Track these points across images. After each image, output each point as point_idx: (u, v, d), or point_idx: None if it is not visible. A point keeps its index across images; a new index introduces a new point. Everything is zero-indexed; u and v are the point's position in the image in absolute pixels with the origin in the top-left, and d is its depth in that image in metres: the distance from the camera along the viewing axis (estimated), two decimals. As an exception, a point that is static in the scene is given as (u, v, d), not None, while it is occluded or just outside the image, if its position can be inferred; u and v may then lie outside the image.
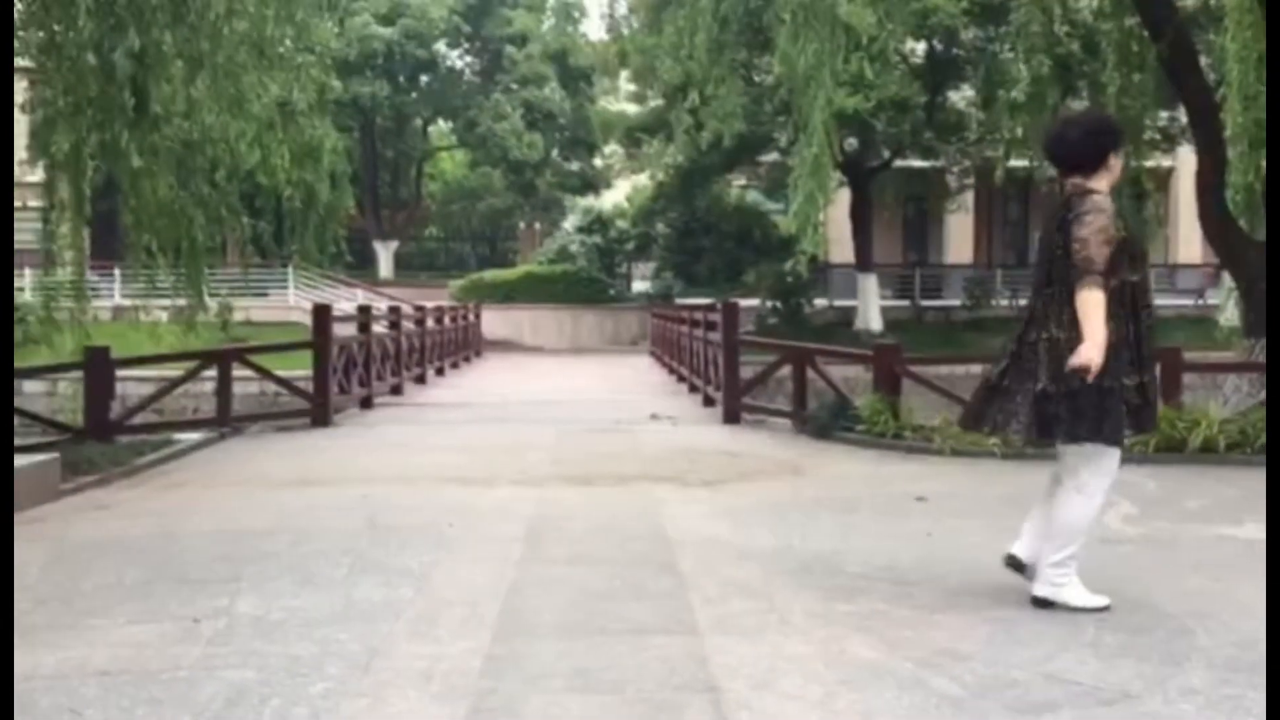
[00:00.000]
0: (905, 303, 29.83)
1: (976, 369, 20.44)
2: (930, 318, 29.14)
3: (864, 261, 27.41)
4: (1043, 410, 4.34)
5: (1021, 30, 10.57)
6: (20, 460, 7.43)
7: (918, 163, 28.06)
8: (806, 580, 4.95)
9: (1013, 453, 8.92)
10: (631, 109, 32.72)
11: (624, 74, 30.26)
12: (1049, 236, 4.47)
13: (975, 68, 23.74)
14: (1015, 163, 12.32)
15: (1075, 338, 4.19)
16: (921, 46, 25.39)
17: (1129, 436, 4.63)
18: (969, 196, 30.78)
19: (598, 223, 34.58)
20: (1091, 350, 4.13)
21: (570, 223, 37.72)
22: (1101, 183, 4.41)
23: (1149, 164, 12.06)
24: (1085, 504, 4.42)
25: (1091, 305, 4.17)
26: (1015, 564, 4.61)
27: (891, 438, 9.59)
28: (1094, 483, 4.41)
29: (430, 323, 19.32)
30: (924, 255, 33.59)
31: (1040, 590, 4.44)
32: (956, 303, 29.61)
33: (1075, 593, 4.41)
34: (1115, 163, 4.47)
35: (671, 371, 19.25)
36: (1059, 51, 12.10)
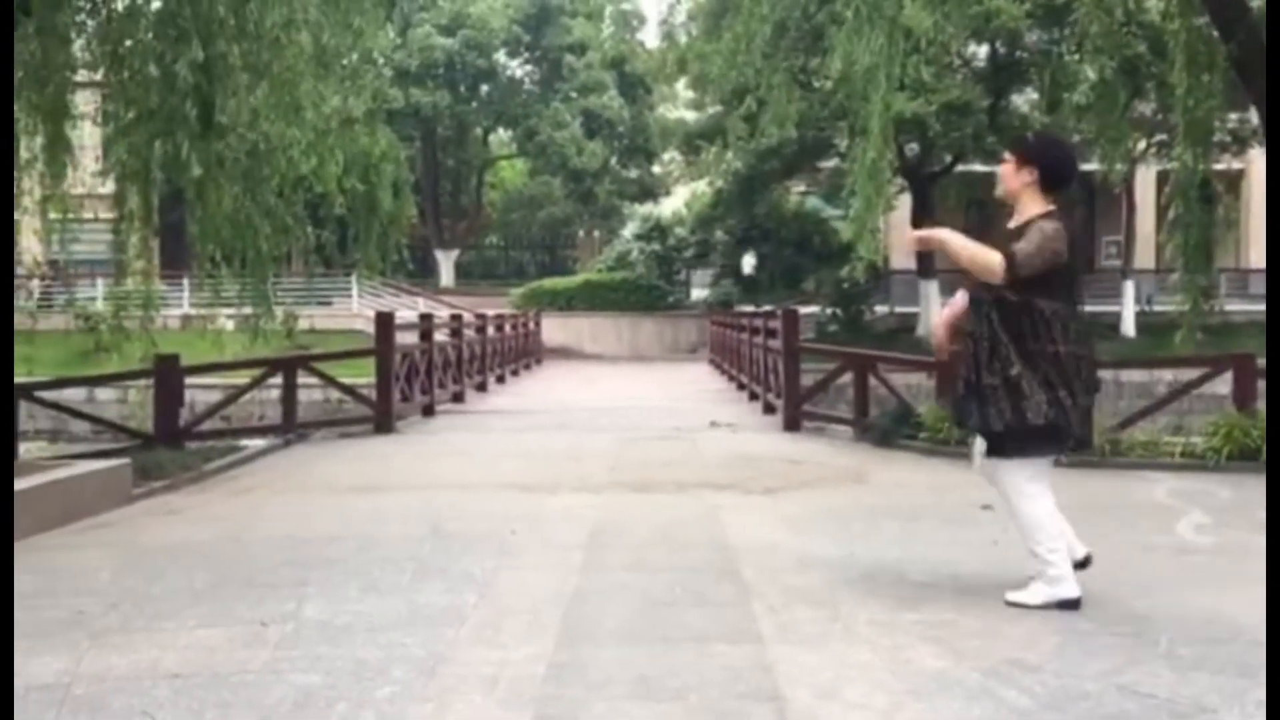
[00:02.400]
0: (968, 309, 29.42)
1: (1041, 375, 20.06)
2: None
3: (925, 267, 27.13)
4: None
5: (1085, 32, 10.40)
6: (93, 465, 7.61)
7: (980, 167, 27.67)
8: (870, 588, 4.90)
9: (1078, 461, 8.78)
10: (690, 116, 32.73)
11: (682, 81, 30.25)
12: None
13: (1039, 70, 23.42)
14: (1084, 166, 12.11)
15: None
16: (984, 49, 25.12)
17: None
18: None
19: (656, 230, 34.54)
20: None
21: (629, 230, 37.71)
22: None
23: (1219, 166, 11.78)
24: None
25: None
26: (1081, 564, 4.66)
27: (955, 445, 9.45)
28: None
29: (491, 330, 19.45)
30: (987, 261, 33.11)
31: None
32: (1019, 309, 29.17)
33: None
34: None
35: (731, 379, 19.20)
36: (1125, 53, 11.88)
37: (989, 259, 4.44)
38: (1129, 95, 13.82)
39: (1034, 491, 4.55)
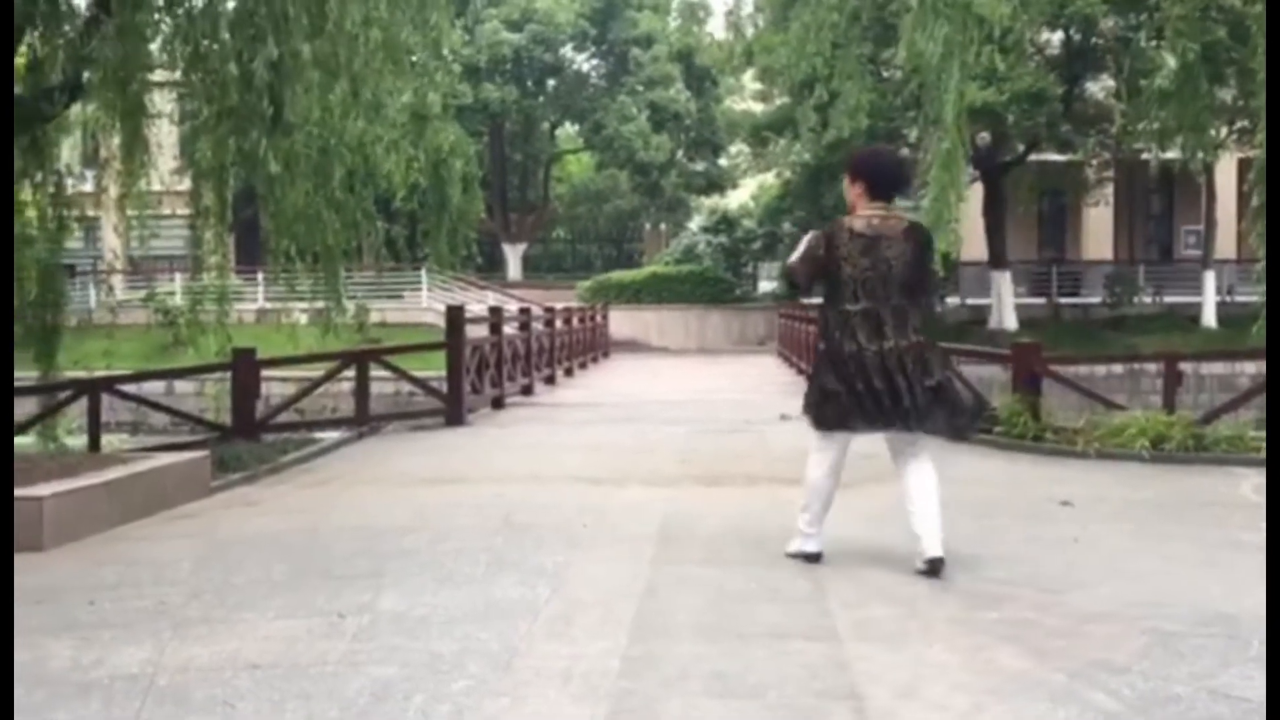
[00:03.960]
0: (1041, 300, 28.96)
1: (1119, 369, 19.89)
2: (1068, 316, 28.24)
3: (998, 258, 26.70)
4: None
5: (1167, 17, 10.12)
6: (174, 458, 7.76)
7: (1054, 156, 27.20)
8: (947, 585, 4.82)
9: (1161, 456, 8.59)
10: (757, 108, 32.52)
11: (749, 72, 30.06)
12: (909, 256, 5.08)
13: (1115, 57, 22.91)
14: (1165, 154, 11.82)
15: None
16: (1058, 36, 24.62)
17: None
18: (1109, 190, 29.71)
19: (723, 222, 34.46)
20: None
21: (696, 223, 37.69)
22: None
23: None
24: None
25: None
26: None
27: (1031, 439, 9.31)
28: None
29: (559, 324, 19.52)
30: (1061, 251, 32.54)
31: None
32: (1096, 300, 28.65)
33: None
34: None
35: (800, 372, 19.06)
36: (1206, 39, 11.56)
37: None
38: (1211, 81, 13.46)
39: (817, 458, 5.29)
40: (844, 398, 5.05)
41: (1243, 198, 19.05)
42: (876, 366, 4.99)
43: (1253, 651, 3.86)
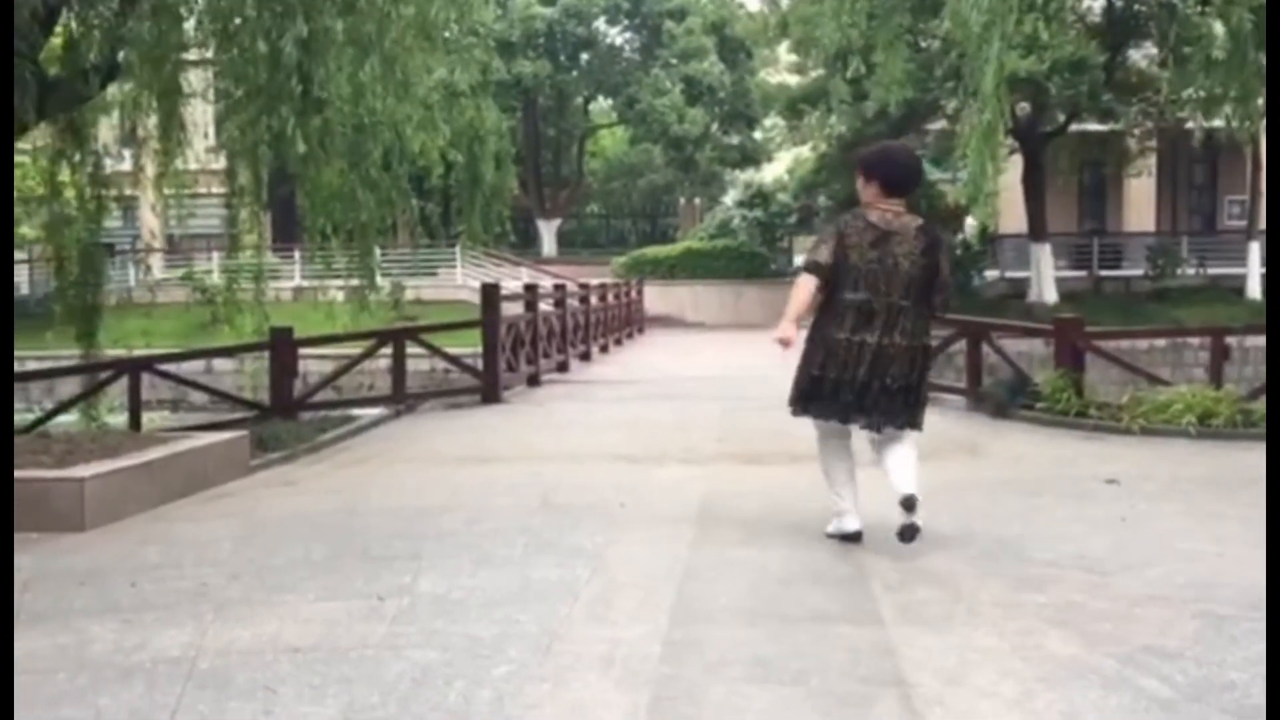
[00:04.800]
0: (1082, 273, 28.57)
1: (1161, 342, 19.59)
2: (1109, 289, 27.85)
3: (1037, 231, 26.32)
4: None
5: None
6: (214, 437, 7.79)
7: (1095, 126, 26.71)
8: (992, 568, 4.75)
9: (1208, 432, 8.44)
10: (792, 80, 32.18)
11: (784, 44, 29.75)
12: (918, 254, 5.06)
13: (1159, 24, 22.44)
14: (1211, 124, 11.57)
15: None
16: (1099, 3, 24.16)
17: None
18: (1151, 160, 29.20)
19: (758, 197, 34.14)
20: None
21: (730, 197, 37.40)
22: None
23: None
24: None
25: None
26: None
27: (1075, 416, 9.18)
28: None
29: (594, 300, 19.46)
30: (1102, 223, 32.04)
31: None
32: (1138, 272, 28.20)
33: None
34: None
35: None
36: (1253, 3, 11.28)
37: (799, 283, 5.21)
38: (1257, 48, 13.17)
39: (820, 441, 5.40)
40: (824, 385, 5.13)
41: (1289, 167, 18.64)
42: (860, 359, 5.04)
43: (1310, 636, 3.76)
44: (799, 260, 33.99)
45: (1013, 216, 27.76)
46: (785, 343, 5.14)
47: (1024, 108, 24.44)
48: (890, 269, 5.01)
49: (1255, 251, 26.34)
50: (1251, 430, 8.41)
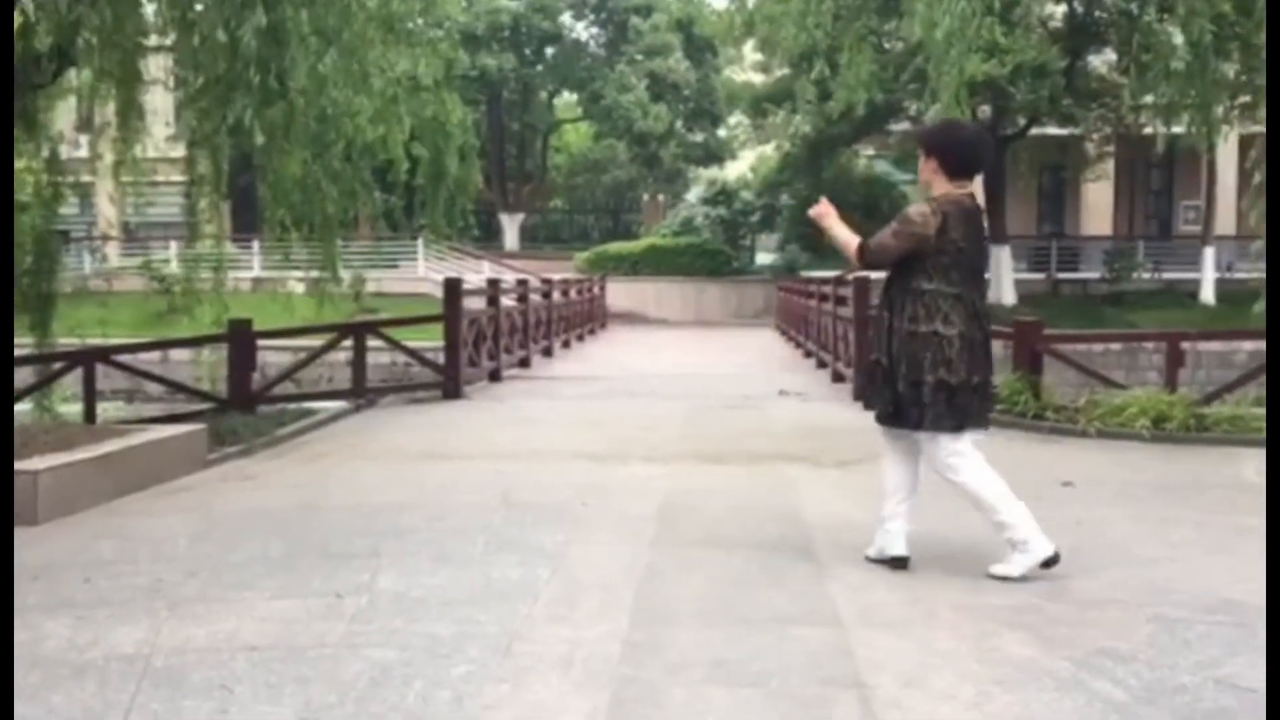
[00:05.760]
0: (1040, 276, 28.87)
1: (1118, 346, 19.78)
2: (1066, 291, 28.17)
3: (997, 233, 26.54)
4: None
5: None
6: (170, 430, 7.70)
7: (1055, 130, 27.02)
8: (951, 569, 4.79)
9: (1162, 435, 8.56)
10: (757, 79, 32.29)
11: (749, 43, 29.82)
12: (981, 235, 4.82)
13: (1119, 30, 22.72)
14: (1168, 130, 11.73)
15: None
16: (1061, 9, 24.42)
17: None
18: (1109, 165, 29.57)
19: (722, 194, 34.23)
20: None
21: (694, 194, 37.43)
22: None
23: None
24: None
25: None
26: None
27: (1032, 418, 9.28)
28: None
29: (557, 295, 19.42)
30: (1060, 226, 32.43)
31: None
32: (1095, 275, 28.57)
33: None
34: None
35: (798, 345, 19.02)
36: (1213, 10, 11.44)
37: (849, 244, 4.84)
38: (1216, 57, 13.36)
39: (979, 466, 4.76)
40: (969, 391, 4.64)
41: (1243, 174, 18.92)
42: (984, 356, 4.70)
43: (1259, 639, 3.81)
44: (762, 259, 34.20)
45: (973, 218, 27.93)
46: None
47: (985, 111, 24.66)
48: (974, 255, 4.77)
49: (1209, 256, 26.75)
50: (1205, 435, 8.53)
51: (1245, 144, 21.69)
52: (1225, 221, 27.83)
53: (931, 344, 4.61)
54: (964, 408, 4.63)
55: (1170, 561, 4.97)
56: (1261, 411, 9.18)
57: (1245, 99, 21.22)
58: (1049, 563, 4.58)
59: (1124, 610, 4.19)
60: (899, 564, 4.74)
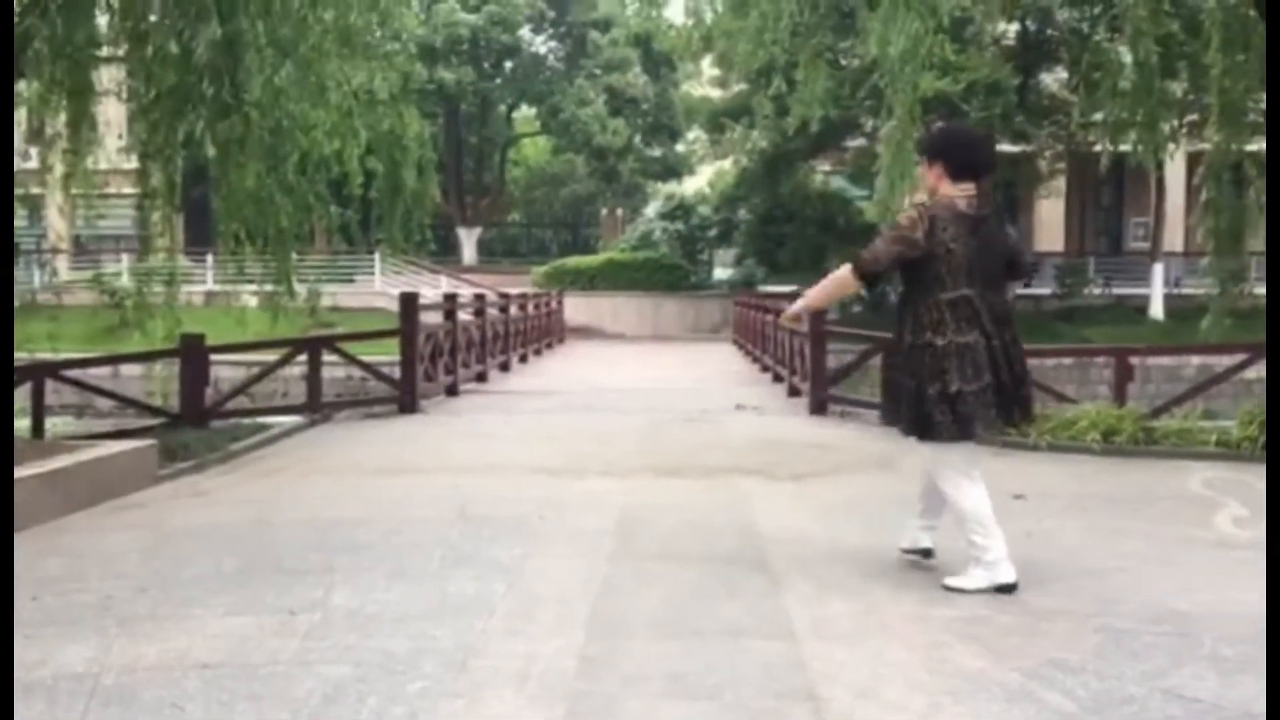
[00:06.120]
0: (993, 291, 29.20)
1: (1069, 361, 20.03)
2: (1019, 306, 28.40)
3: (951, 248, 26.88)
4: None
5: (1126, 13, 10.20)
6: (120, 446, 7.60)
7: (1008, 147, 27.35)
8: (904, 581, 4.83)
9: (1112, 449, 8.68)
10: (715, 94, 32.49)
11: (708, 58, 30.00)
12: (1001, 239, 4.86)
13: (1070, 49, 23.12)
14: (1118, 148, 11.94)
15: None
16: (1014, 27, 24.81)
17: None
18: (1061, 182, 30.03)
19: (680, 209, 34.36)
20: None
21: (652, 209, 37.53)
22: None
23: (1251, 148, 11.56)
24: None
25: None
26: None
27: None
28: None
29: (514, 310, 19.39)
30: (1013, 242, 32.86)
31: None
32: (1047, 291, 28.95)
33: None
34: None
35: (755, 360, 19.10)
36: (1159, 32, 11.66)
37: (839, 276, 4.88)
38: (1163, 77, 13.62)
39: (957, 477, 4.80)
40: (971, 398, 4.66)
41: (1191, 192, 19.29)
42: (988, 360, 4.69)
43: (1204, 650, 3.90)
44: (719, 274, 34.32)
45: (928, 234, 28.19)
46: None
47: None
48: (988, 258, 4.76)
49: (1158, 273, 27.21)
50: (1153, 448, 8.66)
51: (1193, 161, 22.12)
52: (1174, 238, 28.35)
53: (927, 355, 4.67)
54: (967, 416, 4.66)
55: (1119, 572, 5.04)
56: (1209, 424, 9.36)
57: (1193, 117, 21.68)
58: (1006, 588, 4.60)
59: (1073, 621, 4.25)
60: (1009, 590, 4.62)
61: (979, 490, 4.75)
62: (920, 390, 4.68)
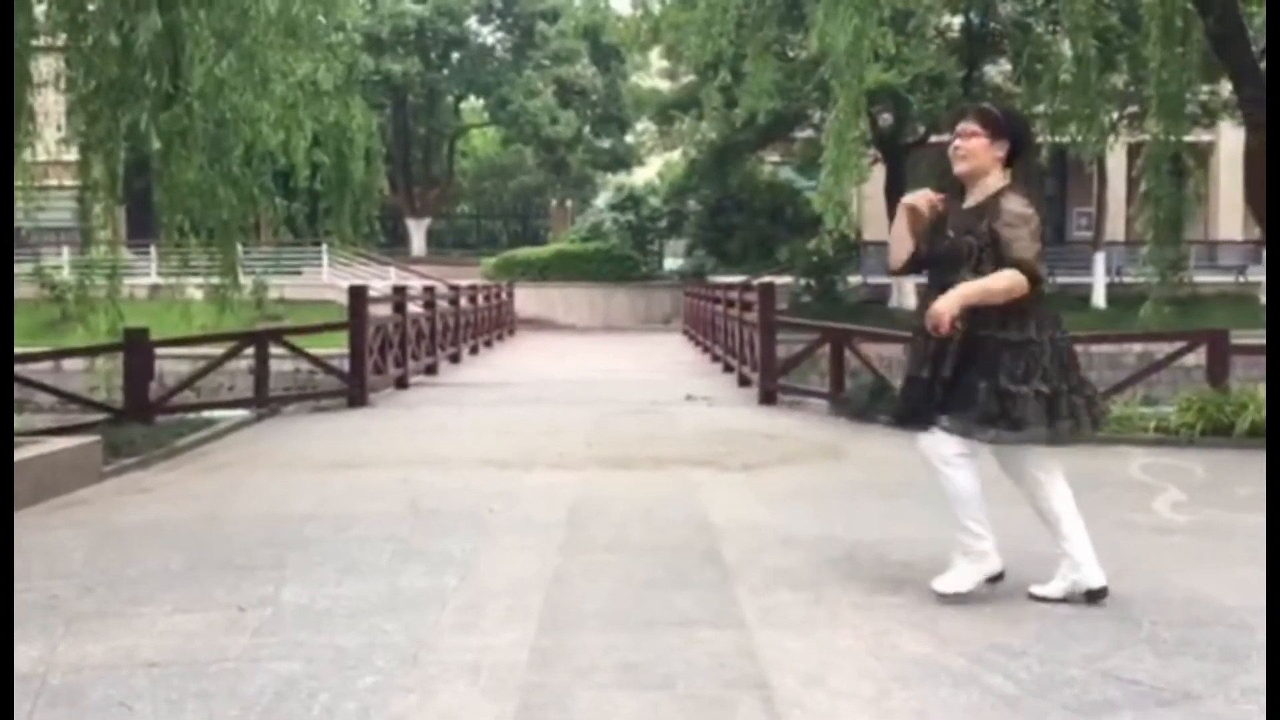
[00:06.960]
0: (939, 280, 29.52)
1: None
2: (963, 295, 28.83)
3: (899, 239, 27.12)
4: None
5: (1066, 8, 10.37)
6: (64, 443, 7.49)
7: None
8: (852, 570, 4.90)
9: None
10: (664, 85, 32.54)
11: (656, 50, 30.04)
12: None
13: (1012, 42, 23.40)
14: (1059, 139, 12.14)
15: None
16: (958, 20, 25.07)
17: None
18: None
19: (630, 200, 34.41)
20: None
21: (602, 200, 37.59)
22: None
23: (1189, 139, 11.79)
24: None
25: None
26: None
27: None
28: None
29: (464, 301, 19.32)
30: (959, 232, 33.22)
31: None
32: (991, 280, 29.31)
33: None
34: None
35: (705, 350, 19.19)
36: (1098, 25, 11.86)
37: (1013, 282, 4.29)
38: (1102, 69, 13.84)
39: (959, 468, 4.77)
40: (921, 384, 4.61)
41: (1132, 182, 19.63)
42: (938, 348, 4.52)
43: (1143, 633, 3.99)
44: (670, 264, 34.36)
45: (876, 224, 28.58)
46: None
47: (886, 119, 25.19)
48: None
49: (1100, 262, 27.65)
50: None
51: (1134, 152, 22.48)
52: (1115, 227, 28.80)
53: (1025, 351, 4.40)
54: (912, 401, 4.71)
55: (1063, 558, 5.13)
56: (1149, 411, 9.55)
57: (1133, 109, 22.03)
58: (994, 579, 4.52)
59: (1016, 606, 4.34)
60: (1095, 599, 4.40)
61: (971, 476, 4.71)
62: (1008, 388, 4.43)
